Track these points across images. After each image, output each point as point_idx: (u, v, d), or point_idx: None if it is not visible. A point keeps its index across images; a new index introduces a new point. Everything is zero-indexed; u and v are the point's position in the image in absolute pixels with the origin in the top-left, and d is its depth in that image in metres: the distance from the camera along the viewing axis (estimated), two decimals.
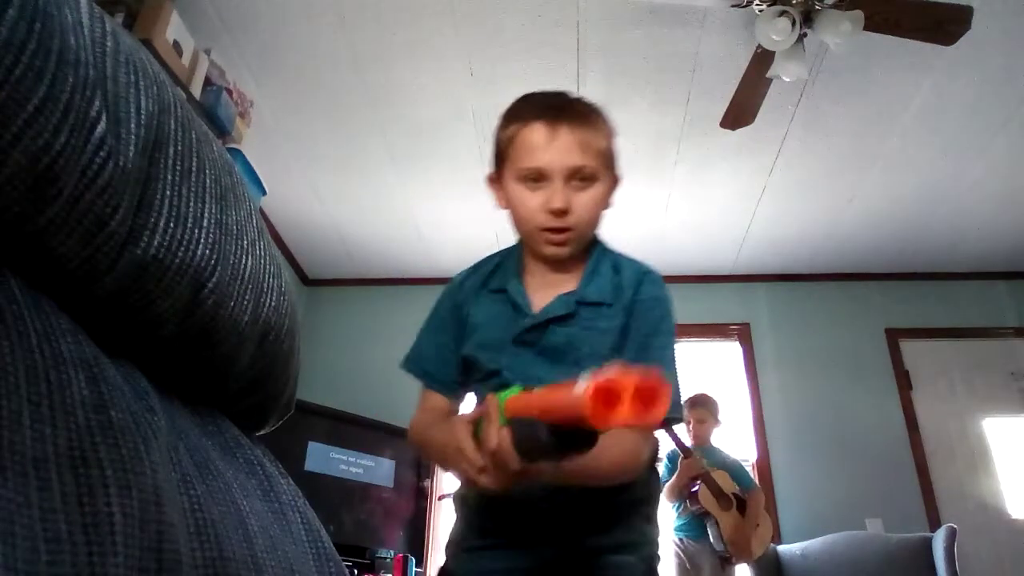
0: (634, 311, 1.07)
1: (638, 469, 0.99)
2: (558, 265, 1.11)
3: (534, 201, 1.06)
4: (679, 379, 1.07)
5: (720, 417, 3.39)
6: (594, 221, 1.11)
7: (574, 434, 0.66)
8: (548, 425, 0.67)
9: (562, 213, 1.05)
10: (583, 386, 0.58)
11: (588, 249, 1.14)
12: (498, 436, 0.74)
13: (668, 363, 1.04)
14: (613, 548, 1.04)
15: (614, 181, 1.13)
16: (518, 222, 1.11)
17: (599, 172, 1.08)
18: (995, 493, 4.07)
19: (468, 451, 0.79)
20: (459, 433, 0.82)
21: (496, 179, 1.15)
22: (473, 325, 1.12)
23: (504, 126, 1.11)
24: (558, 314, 1.07)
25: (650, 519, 1.11)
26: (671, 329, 1.08)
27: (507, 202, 1.12)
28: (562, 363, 1.04)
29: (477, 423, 0.80)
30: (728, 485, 3.20)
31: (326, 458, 3.31)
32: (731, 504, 3.15)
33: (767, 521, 3.29)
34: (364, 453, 3.45)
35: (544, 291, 1.10)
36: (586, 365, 0.94)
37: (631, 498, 1.07)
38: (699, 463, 3.17)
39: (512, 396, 0.74)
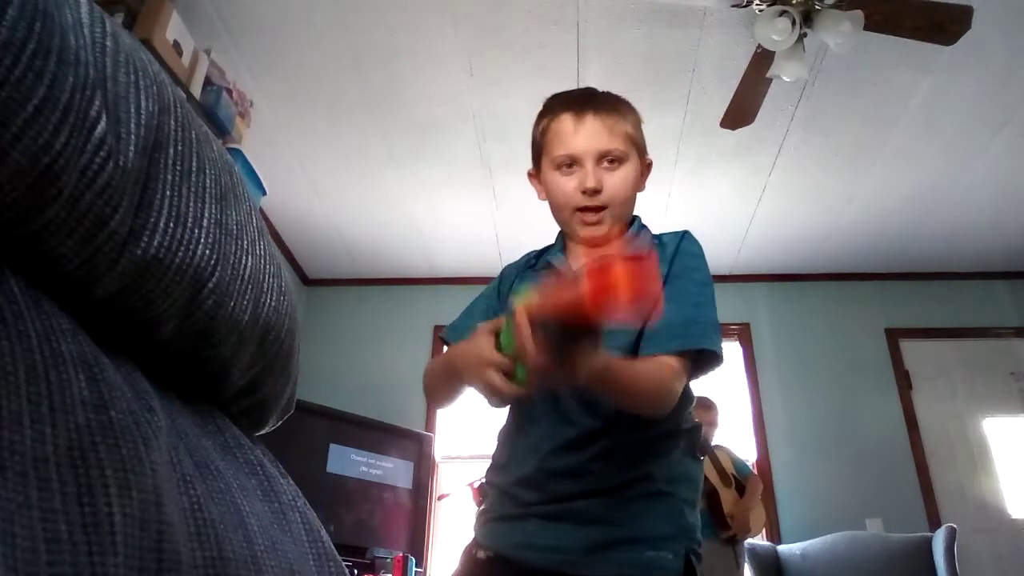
0: (673, 262, 1.14)
1: (670, 401, 1.01)
2: (598, 246, 1.16)
3: (569, 185, 1.15)
4: (713, 317, 1.09)
5: (718, 420, 3.49)
6: (627, 200, 1.18)
7: (582, 325, 0.73)
8: (559, 317, 0.74)
9: (594, 192, 1.13)
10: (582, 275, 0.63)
11: (621, 236, 1.21)
12: (523, 333, 0.78)
13: (699, 301, 1.09)
14: (649, 540, 1.03)
15: (646, 165, 1.22)
16: (556, 209, 1.19)
17: (627, 154, 1.16)
18: (995, 493, 4.07)
19: (491, 355, 0.85)
20: (481, 341, 0.87)
21: (535, 175, 1.24)
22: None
23: (538, 123, 1.22)
24: None
25: (686, 505, 1.09)
26: (705, 277, 1.13)
27: (546, 193, 1.21)
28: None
29: (498, 335, 0.86)
30: (728, 465, 3.30)
31: (347, 459, 3.37)
32: (731, 482, 3.26)
33: (761, 508, 3.40)
34: (382, 455, 3.52)
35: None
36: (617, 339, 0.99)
37: (667, 475, 1.07)
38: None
39: (527, 300, 0.80)
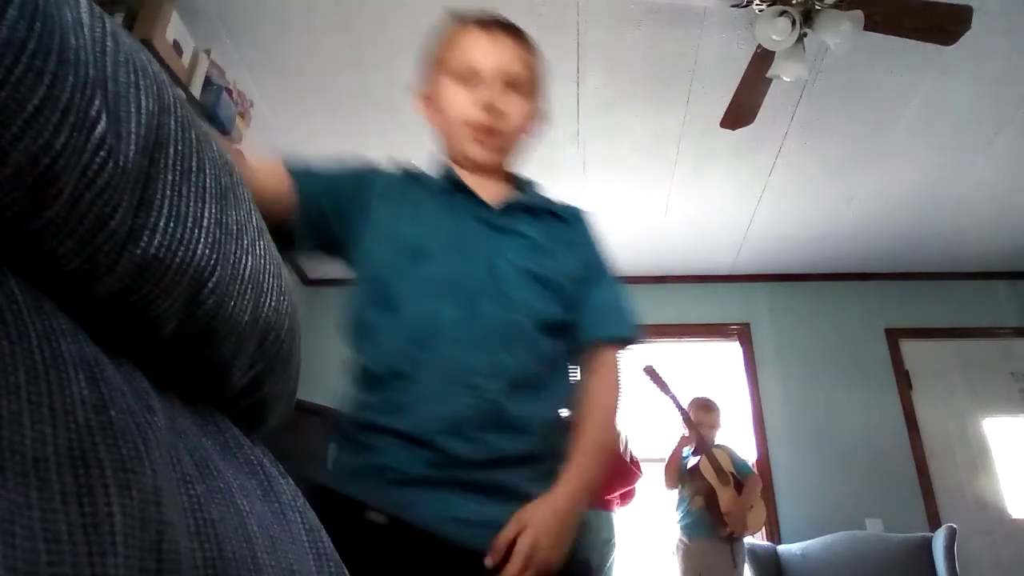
0: (587, 242, 1.12)
1: (622, 391, 1.05)
2: (483, 174, 1.11)
3: (466, 98, 1.05)
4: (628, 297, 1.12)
5: (719, 422, 3.51)
6: (520, 134, 1.11)
7: None
8: None
9: (494, 111, 1.04)
10: None
11: (515, 182, 1.16)
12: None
13: (621, 290, 1.12)
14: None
15: (540, 114, 1.15)
16: (446, 124, 1.09)
17: (530, 90, 1.09)
18: (995, 493, 4.07)
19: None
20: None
21: (424, 93, 1.14)
22: (390, 219, 1.06)
23: (441, 34, 1.13)
24: (522, 204, 1.10)
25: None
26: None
27: (435, 111, 1.11)
28: (516, 243, 1.05)
29: None
30: (727, 464, 3.31)
31: None
32: (729, 481, 3.26)
33: (761, 506, 3.41)
34: None
35: (485, 191, 1.09)
36: (542, 253, 1.02)
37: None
38: (684, 438, 3.34)
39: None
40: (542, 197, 1.15)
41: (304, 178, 1.04)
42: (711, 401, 3.52)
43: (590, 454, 0.98)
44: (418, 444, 0.92)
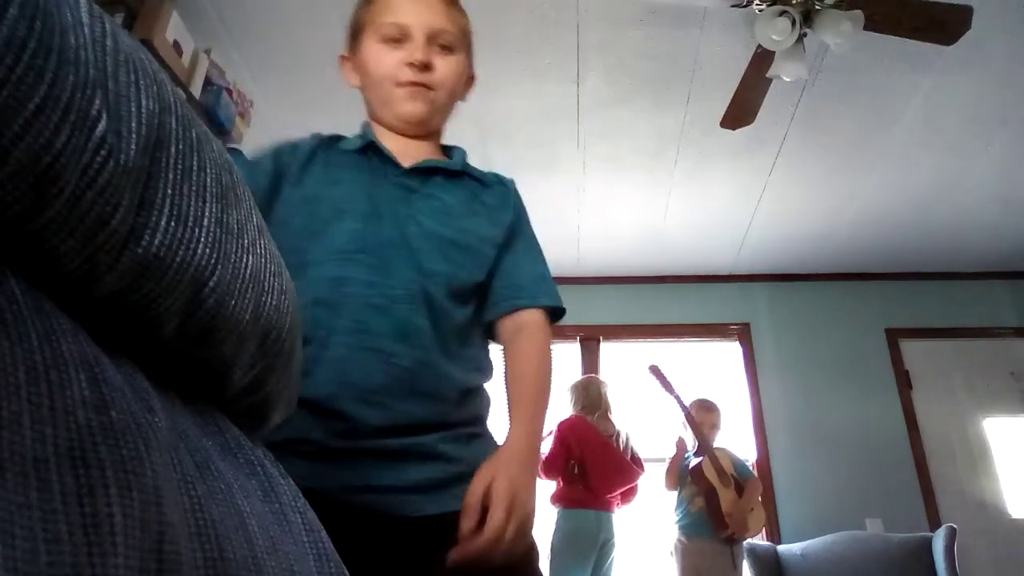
0: (516, 211, 1.11)
1: (552, 357, 1.03)
2: (415, 135, 1.09)
3: (394, 58, 1.03)
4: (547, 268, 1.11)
5: (720, 422, 3.51)
6: (452, 94, 1.09)
7: None
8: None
9: (424, 67, 1.02)
10: None
11: (444, 150, 1.14)
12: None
13: (544, 260, 1.11)
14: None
15: (471, 74, 1.14)
16: (374, 86, 1.07)
17: (459, 47, 1.08)
18: (995, 493, 4.07)
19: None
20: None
21: (350, 57, 1.13)
22: (305, 183, 1.04)
23: None
24: (439, 166, 1.07)
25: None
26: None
27: (361, 74, 1.09)
28: (427, 206, 1.03)
29: None
30: (728, 466, 3.32)
31: None
32: (730, 483, 3.27)
33: (761, 509, 3.41)
34: None
35: (408, 155, 1.07)
36: (451, 216, 1.01)
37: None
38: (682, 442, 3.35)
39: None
40: (463, 162, 1.12)
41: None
42: (712, 402, 3.52)
43: (534, 401, 0.97)
44: (327, 414, 0.89)
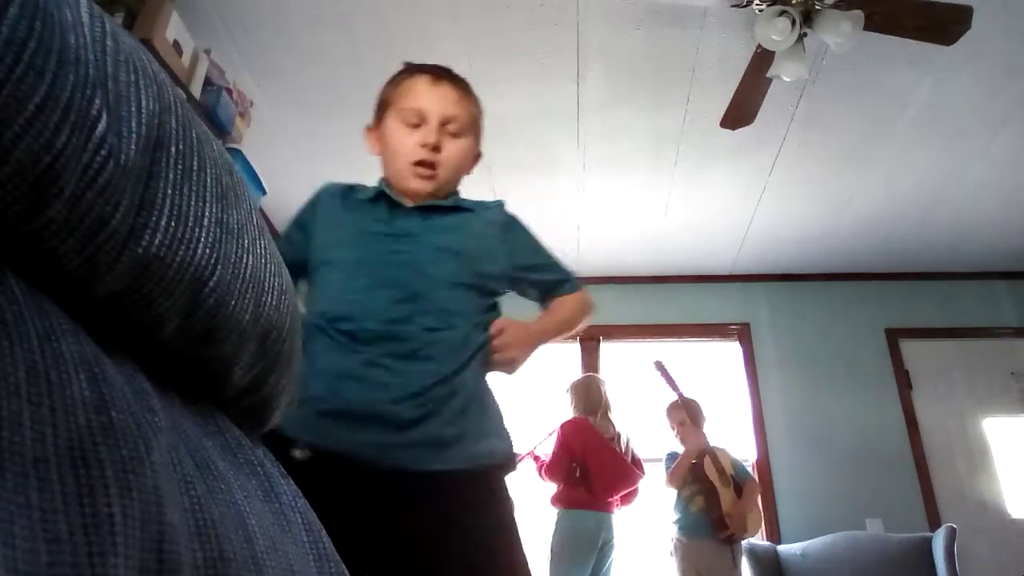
0: (514, 233, 1.32)
1: (593, 309, 1.38)
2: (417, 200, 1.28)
3: (411, 139, 1.24)
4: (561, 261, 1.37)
5: (701, 416, 3.50)
6: (457, 170, 1.29)
7: None
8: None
9: (434, 149, 1.22)
10: None
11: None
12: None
13: (557, 261, 1.36)
14: (487, 434, 1.15)
15: (477, 153, 1.35)
16: (391, 159, 1.27)
17: (468, 131, 1.29)
18: (995, 493, 4.07)
19: None
20: None
21: (373, 129, 1.33)
22: (330, 223, 1.27)
23: (392, 80, 1.33)
24: (438, 204, 1.26)
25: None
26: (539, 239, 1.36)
27: (382, 145, 1.29)
28: (433, 226, 1.24)
29: None
30: (728, 466, 3.32)
31: None
32: (730, 483, 3.27)
33: (758, 511, 3.43)
34: None
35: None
36: (455, 234, 1.24)
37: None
38: (698, 443, 3.33)
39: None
40: (459, 200, 1.31)
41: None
42: (687, 400, 3.52)
43: (556, 319, 1.32)
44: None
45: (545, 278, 1.33)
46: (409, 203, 1.25)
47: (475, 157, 1.34)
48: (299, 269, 1.25)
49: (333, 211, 1.27)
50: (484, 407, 1.16)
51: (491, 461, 1.12)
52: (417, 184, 1.23)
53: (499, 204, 1.35)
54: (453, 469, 1.06)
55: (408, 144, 1.23)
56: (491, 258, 1.25)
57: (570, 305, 1.33)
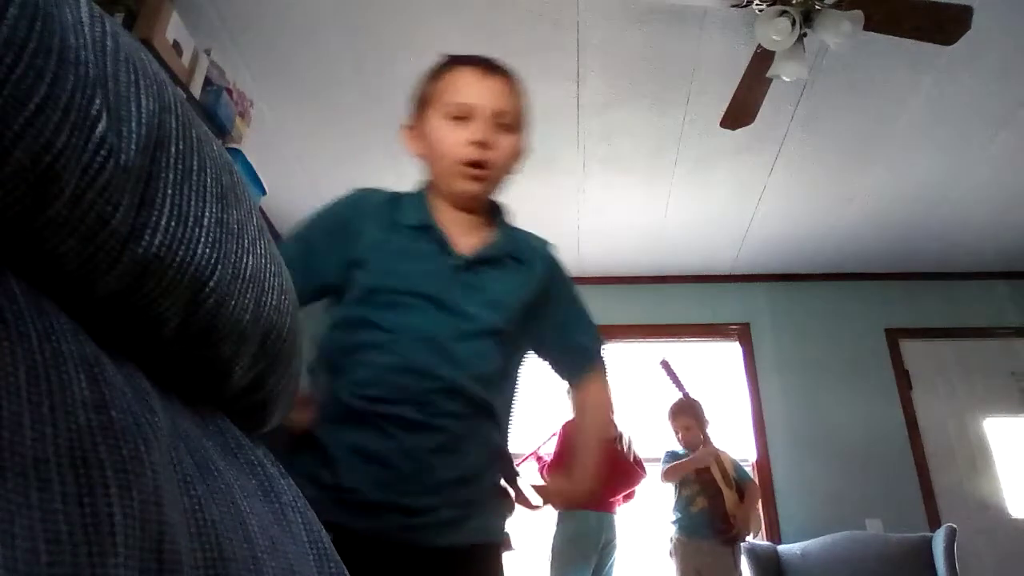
0: (555, 279, 1.23)
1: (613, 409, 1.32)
2: (468, 208, 1.19)
3: (459, 136, 1.13)
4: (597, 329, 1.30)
5: (705, 418, 3.50)
6: (506, 168, 1.19)
7: None
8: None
9: (485, 147, 1.12)
10: None
11: (491, 212, 1.24)
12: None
13: (592, 322, 1.28)
14: (490, 510, 1.13)
15: (524, 148, 1.24)
16: (437, 159, 1.16)
17: (517, 127, 1.19)
18: (995, 493, 4.07)
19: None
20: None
21: (412, 127, 1.21)
22: (377, 251, 1.13)
23: (432, 73, 1.20)
24: (489, 256, 1.18)
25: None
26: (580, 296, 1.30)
27: (425, 145, 1.18)
28: (479, 298, 1.14)
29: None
30: (730, 468, 3.34)
31: None
32: (732, 484, 3.29)
33: (759, 513, 3.44)
34: None
35: (461, 234, 1.17)
36: (500, 307, 1.15)
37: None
38: (712, 452, 3.33)
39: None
40: (509, 238, 1.22)
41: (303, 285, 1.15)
42: (688, 401, 3.52)
43: (593, 449, 1.26)
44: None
45: (584, 344, 1.26)
46: (461, 252, 1.14)
47: (522, 153, 1.24)
48: (321, 275, 1.12)
49: (383, 230, 1.14)
50: (496, 494, 1.16)
51: (497, 538, 1.13)
52: (466, 185, 1.14)
53: (545, 248, 1.26)
54: (467, 543, 1.06)
55: (457, 142, 1.13)
56: (534, 325, 1.19)
57: (603, 412, 1.29)
